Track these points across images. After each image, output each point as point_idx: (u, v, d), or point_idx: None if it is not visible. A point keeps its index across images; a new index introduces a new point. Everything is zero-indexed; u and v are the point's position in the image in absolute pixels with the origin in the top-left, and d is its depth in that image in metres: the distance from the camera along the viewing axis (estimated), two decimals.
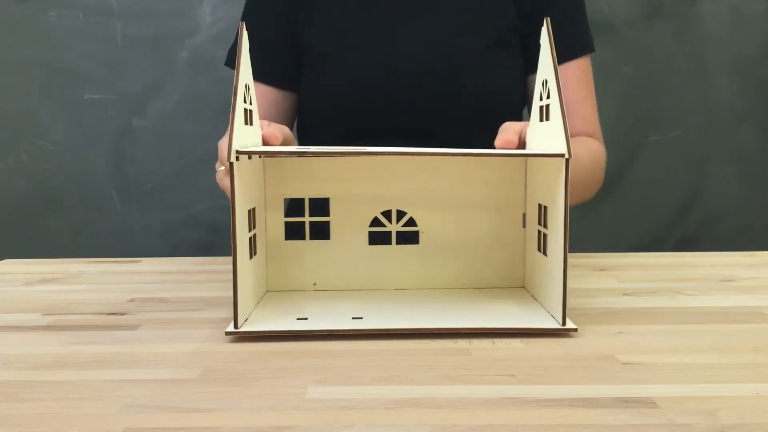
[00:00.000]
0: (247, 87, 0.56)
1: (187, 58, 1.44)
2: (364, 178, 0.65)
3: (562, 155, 0.52)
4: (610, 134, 1.47)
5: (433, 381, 0.44)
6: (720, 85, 1.47)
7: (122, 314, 0.62)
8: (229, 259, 0.88)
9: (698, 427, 0.37)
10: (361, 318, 0.56)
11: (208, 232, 1.49)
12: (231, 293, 0.68)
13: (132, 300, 0.67)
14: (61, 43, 1.42)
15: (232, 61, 1.03)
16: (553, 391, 0.42)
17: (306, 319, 0.56)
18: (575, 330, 0.53)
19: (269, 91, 0.96)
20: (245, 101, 0.55)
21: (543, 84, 0.58)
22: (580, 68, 0.95)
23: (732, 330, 0.55)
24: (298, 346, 0.52)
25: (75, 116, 1.44)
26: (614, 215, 1.47)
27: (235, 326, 0.53)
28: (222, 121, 1.06)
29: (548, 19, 0.57)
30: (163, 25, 1.44)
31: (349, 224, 0.66)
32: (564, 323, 0.53)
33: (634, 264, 0.82)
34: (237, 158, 0.51)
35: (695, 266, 0.81)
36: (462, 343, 0.52)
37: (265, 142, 0.60)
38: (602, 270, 0.78)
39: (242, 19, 1.04)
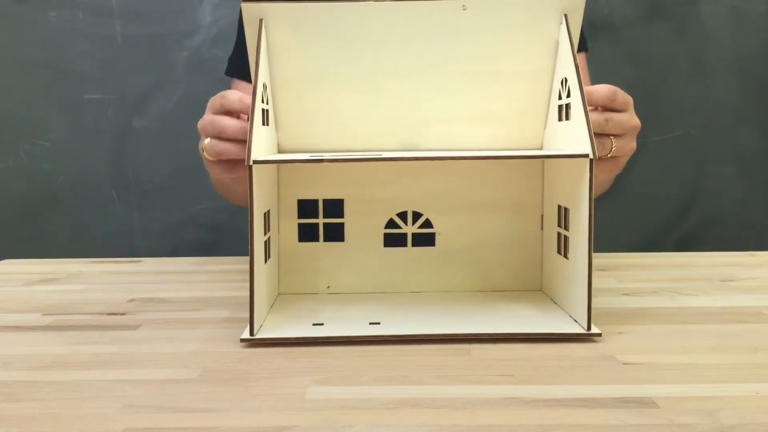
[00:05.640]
0: (264, 86, 0.56)
1: (187, 58, 1.44)
2: (379, 179, 0.65)
3: (586, 155, 0.51)
4: None
5: (433, 381, 0.44)
6: (720, 85, 1.47)
7: (122, 314, 0.62)
8: (230, 259, 0.89)
9: (698, 427, 0.37)
10: (379, 323, 0.55)
11: (208, 232, 1.49)
12: (232, 293, 0.69)
13: (132, 300, 0.67)
14: (61, 43, 1.42)
15: (231, 69, 1.03)
16: (553, 391, 0.42)
17: (322, 324, 0.55)
18: (599, 335, 0.52)
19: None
20: (263, 101, 0.55)
21: (562, 82, 0.58)
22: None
23: (732, 330, 0.55)
24: (298, 346, 0.52)
25: (75, 116, 1.44)
26: (614, 215, 1.47)
27: (251, 333, 0.52)
28: None
29: (566, 15, 0.56)
30: (163, 25, 1.44)
31: (363, 226, 0.65)
32: (589, 328, 0.53)
33: (634, 264, 0.82)
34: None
35: (695, 266, 0.81)
36: (462, 343, 0.52)
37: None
38: (602, 270, 0.78)
39: (239, 20, 1.03)
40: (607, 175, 0.64)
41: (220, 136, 0.64)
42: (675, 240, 1.51)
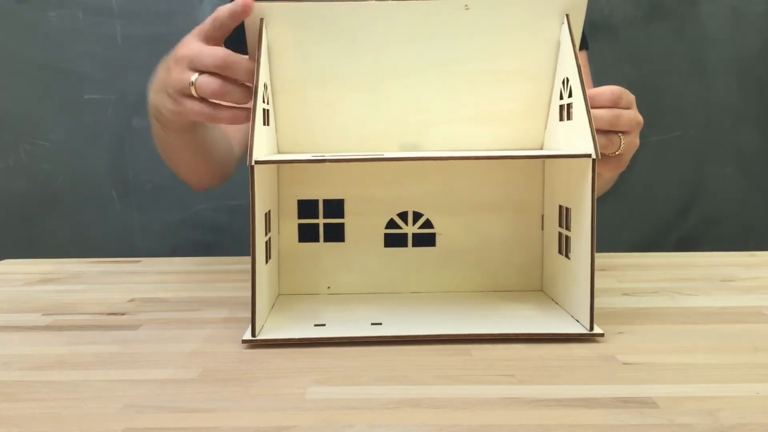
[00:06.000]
0: (265, 86, 0.56)
1: None
2: (379, 179, 0.65)
3: (589, 155, 0.51)
4: None
5: (433, 381, 0.44)
6: (720, 85, 1.47)
7: (122, 314, 0.62)
8: (229, 259, 0.89)
9: (698, 427, 0.37)
10: (380, 324, 0.55)
11: (208, 232, 1.49)
12: (232, 293, 0.69)
13: (132, 300, 0.67)
14: (61, 43, 1.42)
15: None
16: (553, 391, 0.42)
17: (324, 325, 0.55)
18: (602, 335, 0.52)
19: None
20: (264, 101, 0.55)
21: (564, 82, 0.58)
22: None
23: (732, 330, 0.55)
24: (300, 347, 0.52)
25: (75, 116, 1.44)
26: (614, 215, 1.47)
27: (253, 334, 0.52)
28: None
29: (568, 15, 0.56)
30: (163, 25, 1.43)
31: (364, 226, 0.65)
32: (591, 328, 0.53)
33: (634, 264, 0.82)
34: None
35: (695, 266, 0.81)
36: (462, 344, 0.52)
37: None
38: (602, 270, 0.78)
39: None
40: (611, 173, 0.64)
41: (218, 72, 0.57)
42: (675, 240, 1.51)
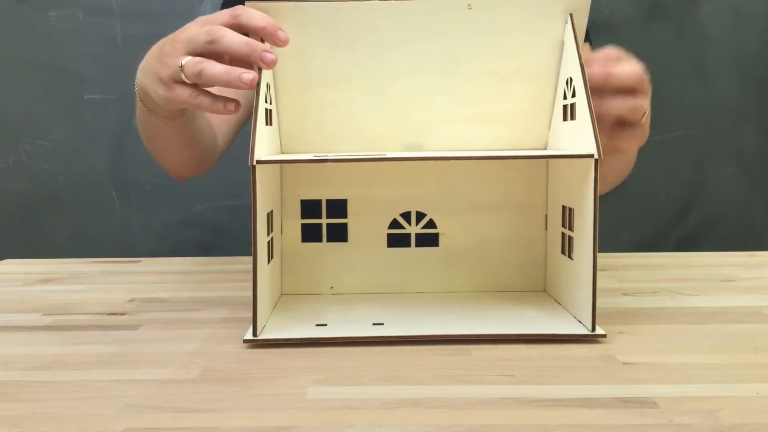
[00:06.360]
0: (268, 86, 0.56)
1: None
2: (382, 179, 0.65)
3: (591, 156, 0.51)
4: None
5: (433, 381, 0.44)
6: (720, 85, 1.47)
7: (122, 314, 0.62)
8: (230, 259, 0.89)
9: (698, 427, 0.37)
10: (382, 324, 0.55)
11: (208, 232, 1.48)
12: (232, 293, 0.69)
13: (132, 300, 0.67)
14: (61, 43, 1.42)
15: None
16: (553, 391, 0.42)
17: (325, 325, 0.55)
18: (604, 336, 0.52)
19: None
20: (266, 101, 0.55)
21: (567, 82, 0.57)
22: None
23: (732, 330, 0.55)
24: (301, 347, 0.52)
25: (75, 116, 1.44)
26: (614, 215, 1.47)
27: (254, 334, 0.52)
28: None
29: (572, 14, 0.56)
30: (163, 25, 1.43)
31: (367, 226, 0.65)
32: (594, 329, 0.52)
33: (634, 264, 0.82)
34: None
35: (695, 266, 0.81)
36: (463, 344, 0.52)
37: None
38: (602, 270, 0.78)
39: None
40: (637, 145, 0.61)
41: (221, 55, 0.55)
42: (675, 240, 1.51)
